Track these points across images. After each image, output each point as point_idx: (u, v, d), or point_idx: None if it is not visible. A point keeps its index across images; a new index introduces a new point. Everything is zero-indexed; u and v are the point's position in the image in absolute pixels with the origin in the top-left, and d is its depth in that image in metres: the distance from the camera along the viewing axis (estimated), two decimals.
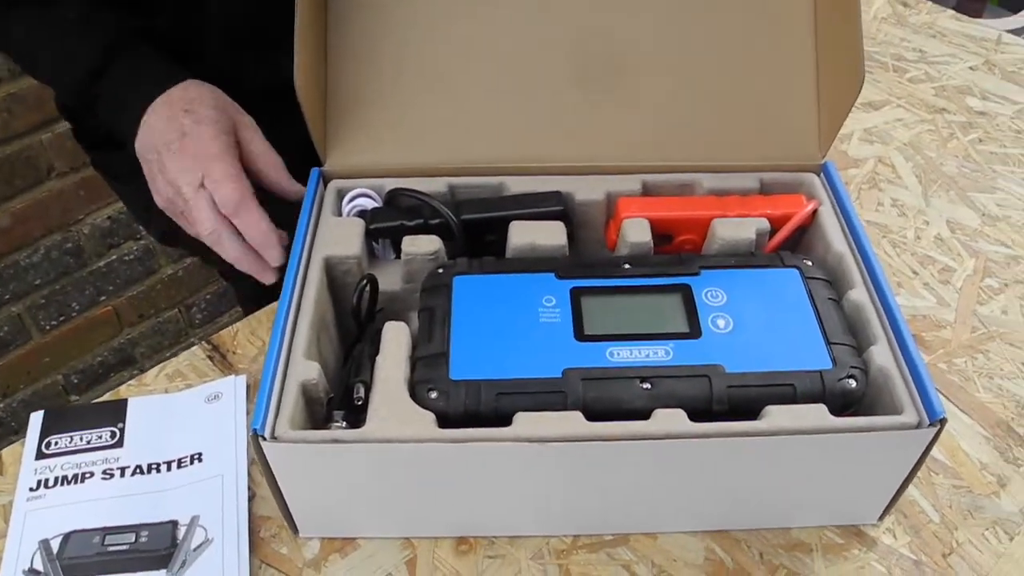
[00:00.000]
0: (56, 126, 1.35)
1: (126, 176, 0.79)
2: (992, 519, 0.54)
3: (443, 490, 0.50)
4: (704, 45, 0.62)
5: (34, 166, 1.35)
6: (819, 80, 0.61)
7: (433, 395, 0.49)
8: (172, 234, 0.85)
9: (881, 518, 0.53)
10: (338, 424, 0.49)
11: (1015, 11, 1.89)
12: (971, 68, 0.93)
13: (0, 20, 0.68)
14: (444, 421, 0.48)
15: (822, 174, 0.61)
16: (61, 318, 1.48)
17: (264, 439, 0.45)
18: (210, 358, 0.66)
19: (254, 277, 0.61)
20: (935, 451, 0.57)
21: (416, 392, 0.49)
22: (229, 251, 0.60)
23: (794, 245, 0.61)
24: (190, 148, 0.59)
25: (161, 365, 0.66)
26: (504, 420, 0.47)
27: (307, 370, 0.50)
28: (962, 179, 0.79)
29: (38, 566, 0.53)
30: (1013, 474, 0.56)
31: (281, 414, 0.47)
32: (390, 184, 0.62)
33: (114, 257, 1.52)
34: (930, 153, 0.82)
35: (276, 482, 0.48)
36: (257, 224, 0.59)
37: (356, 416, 0.49)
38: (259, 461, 0.46)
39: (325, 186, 0.62)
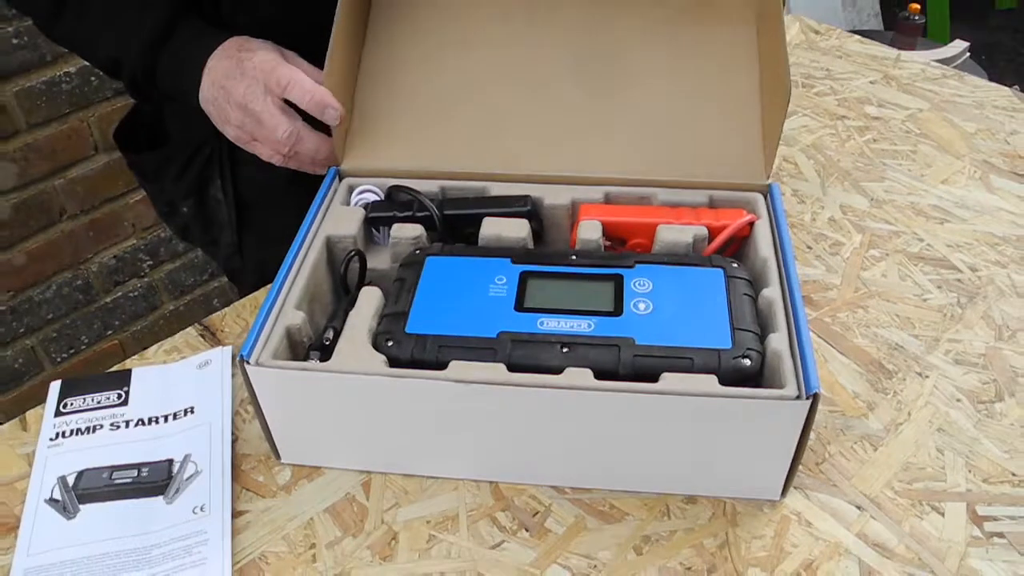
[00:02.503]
0: (69, 172, 1.48)
1: (153, 175, 0.93)
2: (860, 435, 0.64)
3: (390, 427, 0.60)
4: (667, 77, 0.75)
5: (48, 209, 1.48)
6: (763, 113, 0.73)
7: (389, 344, 0.59)
8: (187, 230, 0.98)
9: (783, 494, 0.59)
10: (312, 360, 0.60)
11: (944, 42, 2.03)
12: (871, 82, 1.06)
13: (55, 17, 0.79)
14: (395, 364, 0.58)
15: (768, 194, 0.71)
16: (71, 350, 1.59)
17: (248, 363, 0.56)
18: (202, 336, 0.77)
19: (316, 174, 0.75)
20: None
21: (376, 340, 0.60)
22: (308, 144, 0.73)
23: (737, 253, 0.70)
24: (249, 70, 0.72)
25: (160, 343, 0.77)
26: (443, 368, 0.57)
27: (294, 317, 0.61)
28: (856, 172, 0.90)
29: (56, 496, 0.63)
30: (881, 400, 0.66)
31: (267, 348, 0.58)
32: (391, 183, 0.74)
33: (120, 294, 1.64)
34: (829, 152, 0.94)
35: (259, 405, 0.59)
36: (313, 89, 0.70)
37: (327, 356, 0.60)
38: (245, 385, 0.57)
39: (340, 182, 0.74)
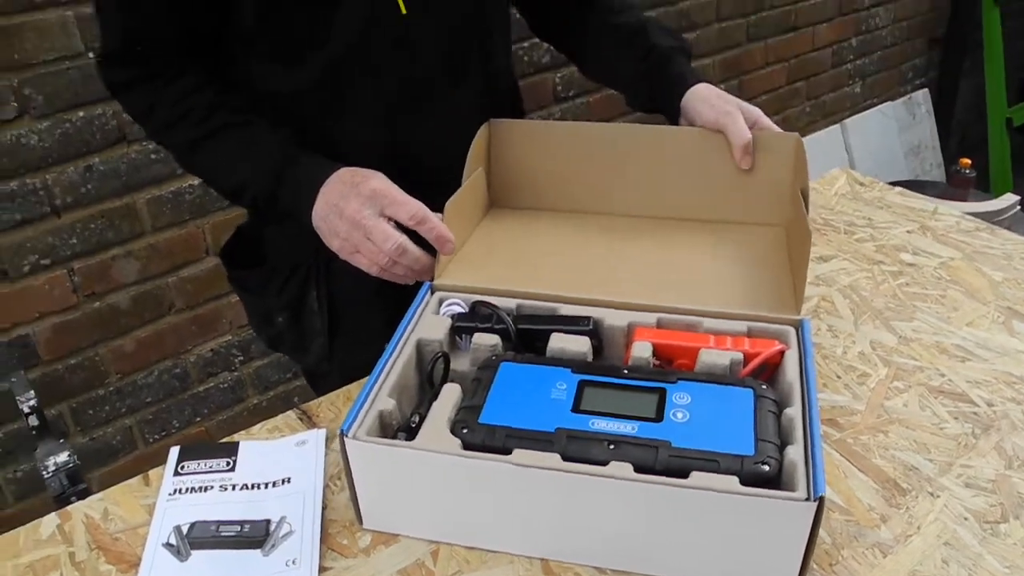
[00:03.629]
0: (182, 271, 1.66)
1: (255, 288, 1.07)
2: (872, 543, 0.72)
3: (459, 503, 0.70)
4: (713, 245, 0.95)
5: (160, 303, 1.66)
6: (791, 264, 0.88)
7: (464, 431, 0.70)
8: (280, 338, 1.11)
9: None
10: (398, 439, 0.71)
11: (996, 195, 2.13)
12: (908, 231, 1.16)
13: (191, 154, 0.95)
14: (468, 448, 0.69)
15: (800, 328, 0.81)
16: (163, 432, 1.74)
17: (347, 437, 0.68)
18: (300, 419, 0.89)
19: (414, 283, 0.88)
20: (834, 495, 0.76)
21: (454, 427, 0.71)
22: (411, 256, 0.85)
23: (772, 377, 0.80)
24: (365, 191, 0.85)
25: (264, 422, 0.89)
26: (508, 454, 0.67)
27: (386, 404, 0.73)
28: (887, 311, 1.00)
29: (172, 541, 0.75)
30: (894, 514, 0.74)
31: (363, 426, 0.70)
32: (475, 298, 0.87)
33: (212, 384, 1.79)
34: (864, 293, 1.04)
35: (351, 474, 0.70)
36: (439, 226, 0.85)
37: (411, 437, 0.71)
38: (341, 456, 0.69)
39: (432, 295, 0.88)
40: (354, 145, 0.95)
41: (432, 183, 0.91)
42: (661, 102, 1.06)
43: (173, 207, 1.62)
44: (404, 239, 0.85)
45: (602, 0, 1.10)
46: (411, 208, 0.85)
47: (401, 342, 0.80)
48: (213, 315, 1.75)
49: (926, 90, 3.41)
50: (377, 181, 0.87)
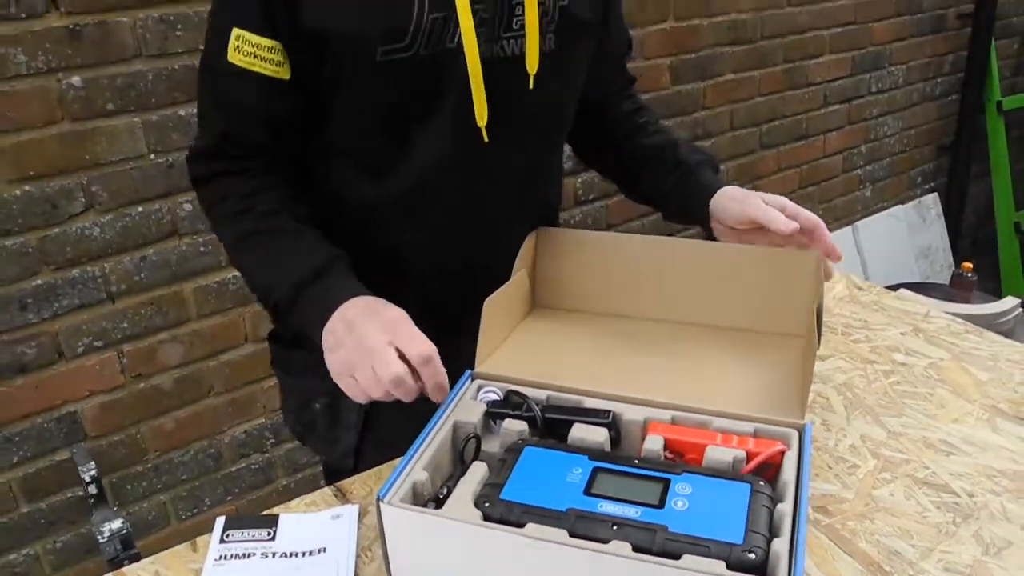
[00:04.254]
0: (222, 356, 1.77)
1: (299, 370, 1.13)
2: None
3: (477, 568, 0.78)
4: (730, 356, 1.04)
5: (199, 385, 1.76)
6: (801, 367, 0.97)
7: (486, 504, 0.79)
8: (312, 427, 1.17)
9: None
10: (428, 507, 0.80)
11: (998, 296, 2.20)
12: (901, 333, 1.25)
13: (239, 245, 0.99)
14: (488, 520, 0.77)
15: (802, 431, 0.89)
16: (195, 510, 1.82)
17: (383, 502, 0.76)
18: (335, 496, 0.98)
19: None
20: None
21: (477, 501, 0.79)
22: (408, 391, 0.85)
23: (774, 475, 0.86)
24: (380, 317, 0.88)
25: (302, 497, 0.98)
26: (522, 527, 0.75)
27: (420, 476, 0.81)
28: (878, 408, 1.08)
29: None
30: None
31: (397, 494, 0.78)
32: (509, 387, 0.96)
33: (244, 465, 1.88)
34: (857, 390, 1.12)
35: (384, 536, 0.78)
36: (442, 374, 0.86)
37: (439, 506, 0.79)
38: (376, 520, 0.77)
39: (471, 382, 0.97)
40: (418, 258, 1.03)
41: (482, 295, 0.99)
42: (691, 211, 1.13)
43: (217, 296, 1.74)
44: (405, 372, 0.85)
45: (637, 123, 1.20)
46: (422, 346, 0.86)
47: (440, 422, 0.89)
48: (248, 398, 1.85)
49: (935, 194, 3.54)
50: (397, 313, 0.90)
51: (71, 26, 1.47)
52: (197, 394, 1.77)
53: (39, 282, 1.56)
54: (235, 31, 0.93)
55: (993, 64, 3.43)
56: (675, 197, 1.16)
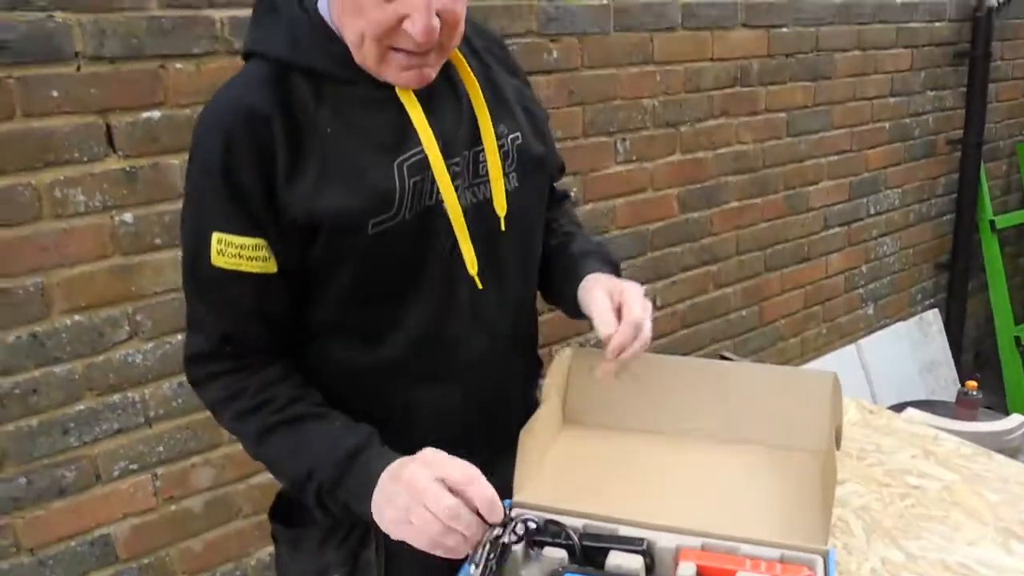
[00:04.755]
0: (251, 479, 1.82)
1: (311, 546, 1.09)
2: None
3: None
4: (757, 481, 1.09)
5: (229, 507, 1.80)
6: (823, 492, 1.03)
7: None
8: None
9: None
10: None
11: (1004, 411, 2.26)
12: (912, 456, 1.31)
13: (263, 437, 0.98)
14: None
15: (826, 557, 0.94)
16: None
17: None
18: None
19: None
20: None
21: None
22: (464, 521, 0.85)
23: None
24: (421, 459, 0.88)
25: None
26: None
27: None
28: (895, 531, 1.13)
29: None
30: None
31: None
32: (548, 516, 1.00)
33: None
34: (874, 513, 1.17)
35: None
36: (487, 488, 0.86)
37: None
38: None
39: (511, 510, 1.01)
40: (430, 410, 1.06)
41: (488, 431, 1.05)
42: (569, 303, 1.13)
43: None
44: (458, 503, 0.85)
45: (548, 228, 1.21)
46: (464, 469, 0.88)
47: (483, 545, 0.94)
48: None
49: (936, 310, 3.63)
50: (431, 451, 0.90)
51: (127, 168, 1.59)
52: (226, 517, 1.81)
53: (82, 407, 1.62)
54: (216, 235, 0.93)
55: (983, 185, 3.59)
56: (563, 292, 1.15)
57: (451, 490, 0.86)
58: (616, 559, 0.94)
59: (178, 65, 1.62)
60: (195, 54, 1.63)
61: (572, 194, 1.28)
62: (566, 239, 1.22)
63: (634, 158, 2.44)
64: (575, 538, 0.96)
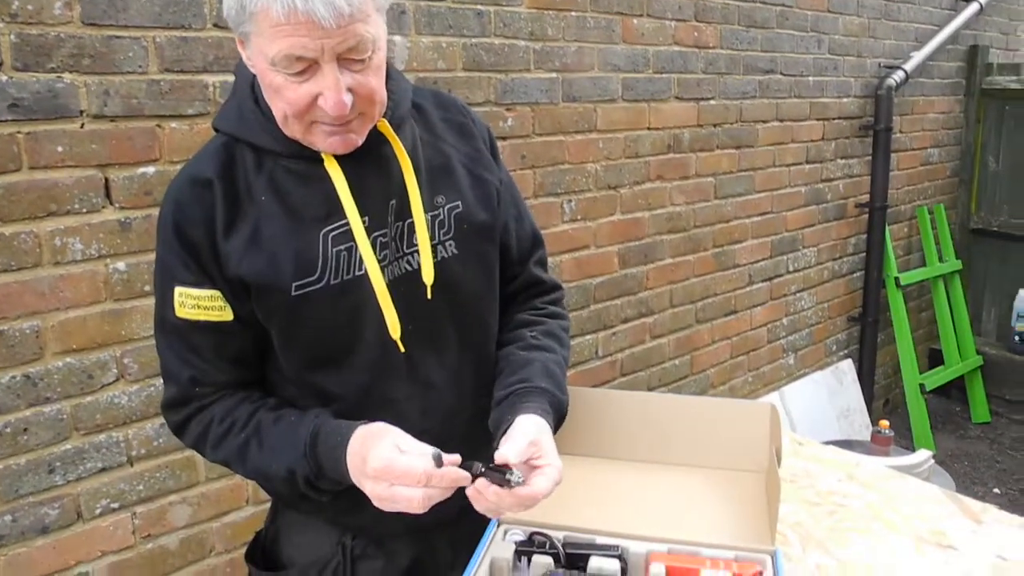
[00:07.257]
0: (224, 517, 1.90)
1: None
2: None
3: None
4: (714, 476, 1.26)
5: (202, 545, 1.87)
6: (768, 503, 1.19)
7: None
8: None
9: None
10: None
11: (912, 450, 2.50)
12: (838, 480, 1.50)
13: (241, 458, 1.08)
14: None
15: (774, 556, 1.10)
16: None
17: None
18: None
19: None
20: None
21: None
22: (438, 477, 0.96)
23: None
24: (370, 473, 0.97)
25: None
26: None
27: None
28: (827, 542, 1.31)
29: None
30: None
31: None
32: (532, 529, 1.14)
33: None
34: (808, 528, 1.35)
35: None
36: (449, 473, 0.96)
37: None
38: None
39: (499, 527, 1.15)
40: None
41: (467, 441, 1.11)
42: (492, 412, 1.15)
43: None
44: (425, 492, 0.96)
45: (520, 334, 1.22)
46: (416, 475, 0.96)
47: (479, 561, 1.08)
48: None
49: (850, 360, 3.92)
50: (376, 460, 0.98)
51: (123, 219, 1.70)
52: (200, 554, 1.88)
53: (68, 446, 1.69)
54: (177, 289, 1.05)
55: (888, 245, 3.92)
56: (496, 407, 1.15)
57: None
58: (596, 562, 1.09)
59: (173, 124, 1.74)
60: (189, 115, 1.76)
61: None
62: (528, 356, 1.19)
63: (579, 217, 2.64)
64: (560, 547, 1.11)
